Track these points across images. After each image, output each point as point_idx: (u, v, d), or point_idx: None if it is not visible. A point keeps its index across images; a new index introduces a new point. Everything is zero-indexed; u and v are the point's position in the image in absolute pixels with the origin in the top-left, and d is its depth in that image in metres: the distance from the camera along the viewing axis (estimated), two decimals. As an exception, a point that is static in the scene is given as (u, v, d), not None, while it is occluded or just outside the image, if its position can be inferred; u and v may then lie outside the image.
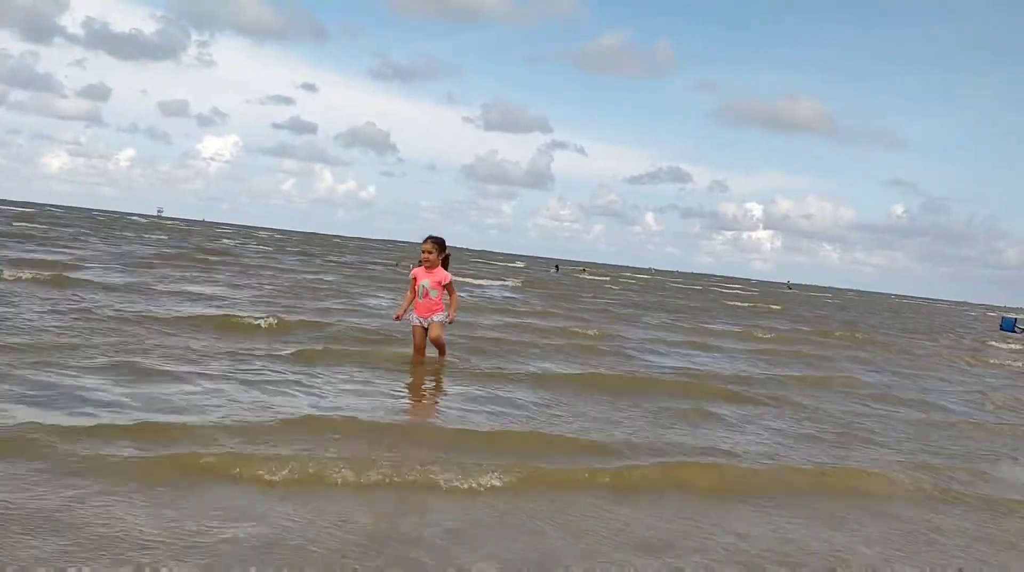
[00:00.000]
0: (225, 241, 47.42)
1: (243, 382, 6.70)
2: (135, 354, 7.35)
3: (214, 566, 3.17)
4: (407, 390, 7.39)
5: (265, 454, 4.62)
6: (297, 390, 6.63)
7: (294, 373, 7.34)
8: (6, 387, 5.64)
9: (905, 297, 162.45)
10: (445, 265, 8.35)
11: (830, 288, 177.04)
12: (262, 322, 10.19)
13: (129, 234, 41.34)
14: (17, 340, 7.32)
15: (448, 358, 8.53)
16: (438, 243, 8.28)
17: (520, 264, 74.07)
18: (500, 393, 7.37)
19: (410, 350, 8.55)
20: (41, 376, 6.07)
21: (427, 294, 8.15)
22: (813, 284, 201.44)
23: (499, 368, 8.73)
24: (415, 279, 8.30)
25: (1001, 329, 36.07)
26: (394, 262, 38.56)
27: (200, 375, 6.78)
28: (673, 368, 10.60)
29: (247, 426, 5.23)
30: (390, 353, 8.88)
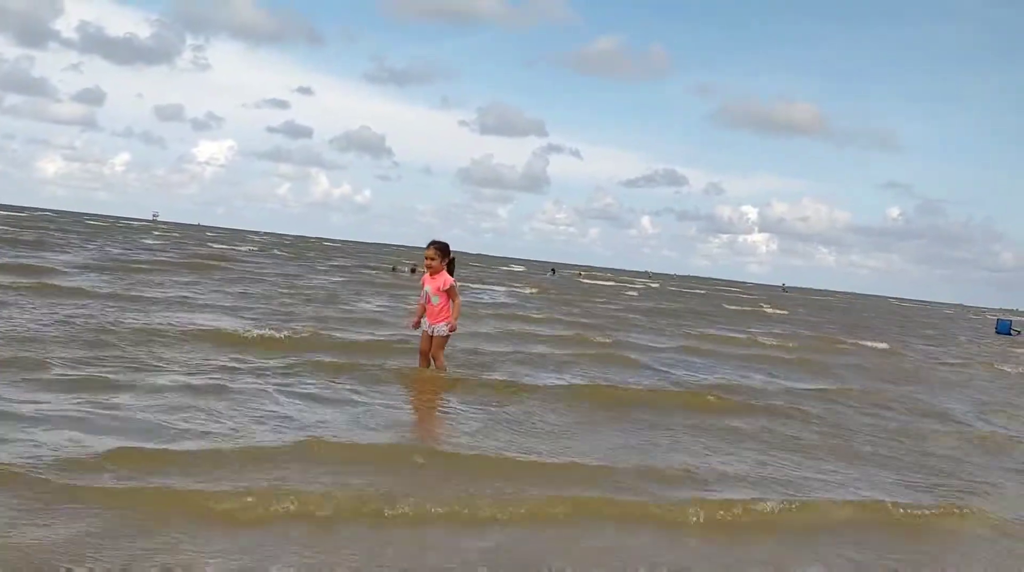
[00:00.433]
0: (217, 245, 46.72)
1: (223, 398, 6.07)
2: (106, 367, 6.72)
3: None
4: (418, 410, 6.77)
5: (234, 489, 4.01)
6: (290, 410, 6.00)
7: (283, 390, 6.71)
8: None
9: (904, 300, 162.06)
10: (450, 270, 8.11)
11: (827, 291, 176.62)
12: (252, 333, 9.55)
13: (120, 238, 40.62)
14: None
15: (444, 374, 8.04)
16: (440, 248, 8.04)
17: (518, 268, 73.46)
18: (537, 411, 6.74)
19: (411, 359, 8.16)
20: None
21: (430, 300, 7.94)
22: (809, 287, 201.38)
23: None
24: (423, 285, 8.14)
25: (997, 332, 36.11)
26: (390, 266, 37.93)
27: (183, 390, 6.15)
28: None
29: (219, 455, 4.61)
30: (391, 367, 8.30)
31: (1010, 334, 34.97)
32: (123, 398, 5.87)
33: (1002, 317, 48.34)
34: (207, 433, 5.16)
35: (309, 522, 3.85)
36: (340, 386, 7.20)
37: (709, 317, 25.94)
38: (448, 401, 7.22)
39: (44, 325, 8.76)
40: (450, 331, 7.95)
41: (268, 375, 7.35)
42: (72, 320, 9.26)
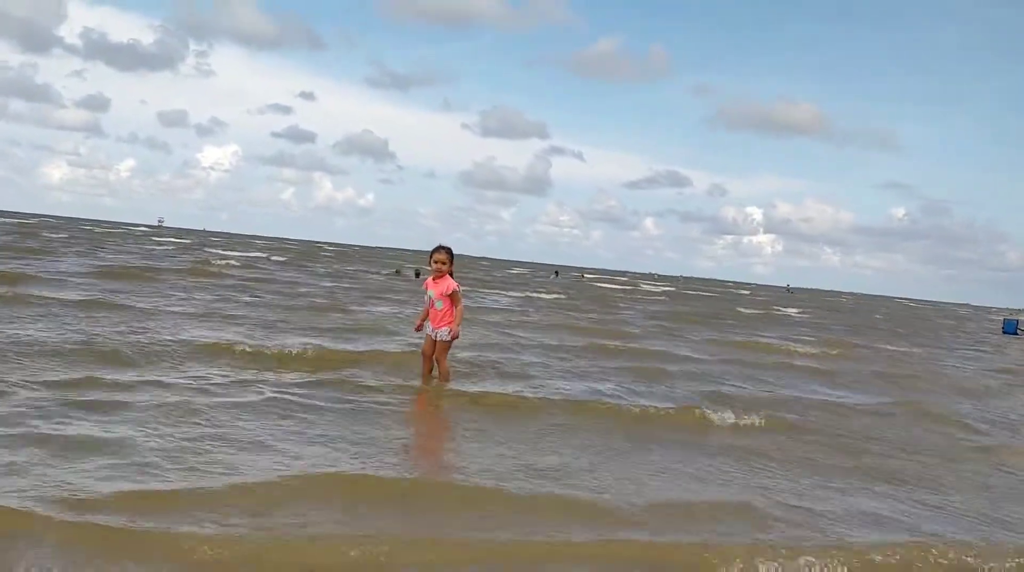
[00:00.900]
0: (221, 251, 45.98)
1: (209, 423, 5.26)
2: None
3: None
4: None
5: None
6: (285, 437, 5.19)
7: (278, 414, 5.90)
8: None
9: (910, 300, 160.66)
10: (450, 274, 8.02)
11: (832, 292, 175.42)
12: (246, 347, 8.74)
13: (117, 244, 39.85)
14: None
15: (449, 386, 7.62)
16: (449, 252, 7.95)
17: (519, 270, 72.60)
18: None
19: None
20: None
21: (433, 304, 7.87)
22: (813, 287, 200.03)
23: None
24: (426, 289, 8.05)
25: (1004, 332, 35.92)
26: (395, 270, 37.15)
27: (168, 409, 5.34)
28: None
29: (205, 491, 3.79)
30: (398, 385, 7.51)
31: (1017, 334, 34.61)
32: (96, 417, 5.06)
33: (1008, 317, 47.69)
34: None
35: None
36: (334, 407, 6.39)
37: (743, 321, 25.10)
38: (470, 426, 6.41)
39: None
40: (452, 337, 7.80)
41: (255, 391, 6.54)
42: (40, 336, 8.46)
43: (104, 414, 5.48)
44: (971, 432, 8.25)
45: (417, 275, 31.29)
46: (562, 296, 30.03)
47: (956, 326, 41.72)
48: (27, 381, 6.19)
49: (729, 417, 7.38)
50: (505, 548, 3.74)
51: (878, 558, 4.01)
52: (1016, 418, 9.44)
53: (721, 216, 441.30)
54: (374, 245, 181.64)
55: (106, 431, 5.05)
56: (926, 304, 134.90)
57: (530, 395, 7.70)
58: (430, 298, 7.88)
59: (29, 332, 8.42)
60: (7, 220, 70.62)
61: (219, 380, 7.00)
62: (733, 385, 9.92)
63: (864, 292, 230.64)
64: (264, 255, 44.42)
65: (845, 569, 3.87)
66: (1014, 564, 4.16)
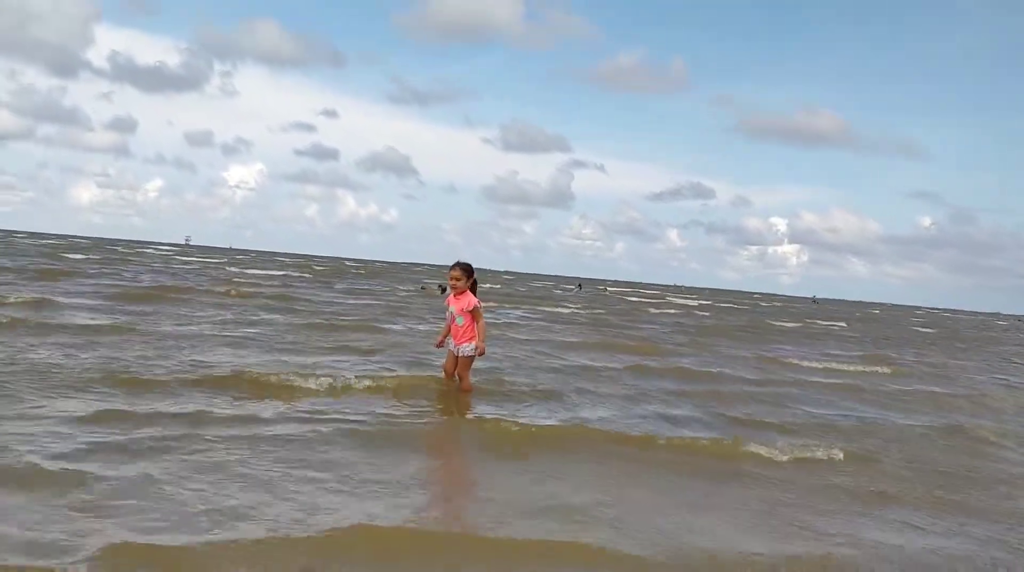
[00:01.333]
0: (245, 269, 45.93)
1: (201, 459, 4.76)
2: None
3: None
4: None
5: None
6: (312, 486, 4.68)
7: (294, 458, 5.40)
8: None
9: (940, 310, 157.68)
10: (473, 290, 8.06)
11: (859, 302, 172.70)
12: (272, 378, 8.25)
13: (143, 263, 39.88)
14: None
15: (477, 412, 7.33)
16: (465, 269, 7.99)
17: (545, 283, 71.97)
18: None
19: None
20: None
21: (454, 321, 7.94)
22: (839, 298, 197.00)
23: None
24: (448, 305, 8.11)
25: None
26: (419, 286, 36.82)
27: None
28: None
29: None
30: (422, 410, 6.98)
31: None
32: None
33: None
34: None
35: None
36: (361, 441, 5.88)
37: (784, 335, 24.36)
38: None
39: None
40: (479, 354, 7.87)
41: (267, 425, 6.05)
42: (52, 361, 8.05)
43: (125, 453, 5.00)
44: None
45: (443, 291, 30.93)
46: (593, 310, 29.40)
47: (996, 338, 40.45)
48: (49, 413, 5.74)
49: (815, 450, 6.78)
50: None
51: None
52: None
53: (745, 226, 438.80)
54: (399, 260, 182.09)
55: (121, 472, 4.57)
56: (957, 313, 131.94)
57: (564, 423, 7.15)
58: (451, 314, 7.97)
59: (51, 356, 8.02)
60: (42, 242, 71.43)
61: (227, 410, 6.52)
62: (800, 409, 9.31)
63: (892, 302, 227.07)
64: (296, 274, 44.23)
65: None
66: None
